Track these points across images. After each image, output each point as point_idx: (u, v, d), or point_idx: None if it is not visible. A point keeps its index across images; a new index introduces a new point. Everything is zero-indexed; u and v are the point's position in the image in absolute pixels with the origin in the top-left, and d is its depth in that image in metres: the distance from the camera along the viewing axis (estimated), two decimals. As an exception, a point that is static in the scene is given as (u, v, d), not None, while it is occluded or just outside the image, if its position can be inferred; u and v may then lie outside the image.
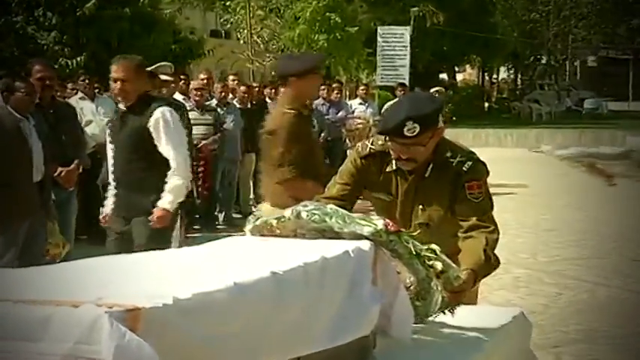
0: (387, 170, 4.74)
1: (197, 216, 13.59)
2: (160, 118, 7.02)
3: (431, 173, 4.67)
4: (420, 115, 4.47)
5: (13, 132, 7.56)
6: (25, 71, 8.70)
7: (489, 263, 4.44)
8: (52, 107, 9.07)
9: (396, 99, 17.92)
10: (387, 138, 4.61)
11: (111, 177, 7.30)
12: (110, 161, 7.35)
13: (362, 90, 18.73)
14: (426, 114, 4.50)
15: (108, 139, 7.43)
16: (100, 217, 7.39)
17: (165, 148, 6.97)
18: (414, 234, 3.99)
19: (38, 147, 7.75)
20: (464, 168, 4.61)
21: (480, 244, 4.42)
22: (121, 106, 7.23)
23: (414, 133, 4.45)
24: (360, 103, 17.53)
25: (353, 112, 17.11)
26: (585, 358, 7.06)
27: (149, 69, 10.36)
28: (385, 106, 5.18)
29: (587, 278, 9.79)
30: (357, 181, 4.83)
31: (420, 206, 4.73)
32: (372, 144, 4.76)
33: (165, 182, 6.93)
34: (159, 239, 6.70)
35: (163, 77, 10.30)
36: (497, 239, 4.52)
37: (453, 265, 4.12)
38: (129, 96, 7.07)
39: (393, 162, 4.70)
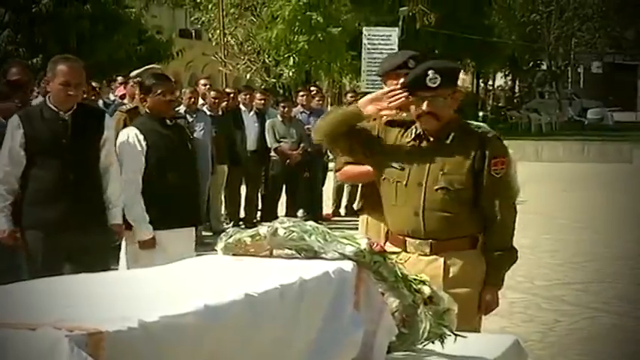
0: (405, 140, 5.15)
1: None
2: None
3: (452, 140, 5.07)
4: (441, 67, 5.10)
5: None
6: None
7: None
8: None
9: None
10: (410, 95, 5.05)
11: None
12: None
13: (350, 97, 18.76)
14: (446, 67, 5.18)
15: None
16: None
17: None
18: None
19: None
20: (488, 135, 5.17)
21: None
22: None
23: (436, 84, 4.97)
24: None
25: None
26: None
27: (136, 72, 10.30)
28: None
29: (589, 304, 9.85)
30: (370, 139, 5.20)
31: (441, 171, 5.04)
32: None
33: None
34: None
35: None
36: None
37: (444, 296, 4.18)
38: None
39: (412, 130, 5.10)
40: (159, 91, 7.47)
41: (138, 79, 9.89)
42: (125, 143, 7.42)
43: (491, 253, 5.06)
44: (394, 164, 5.12)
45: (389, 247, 4.80)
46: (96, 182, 6.96)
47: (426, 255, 5.03)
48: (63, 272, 6.40)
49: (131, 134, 7.42)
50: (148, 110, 7.60)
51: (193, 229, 7.66)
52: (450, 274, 5.01)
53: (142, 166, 7.35)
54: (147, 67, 10.27)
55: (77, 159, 6.83)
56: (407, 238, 5.09)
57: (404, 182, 5.08)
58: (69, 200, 6.77)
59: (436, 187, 5.03)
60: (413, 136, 5.11)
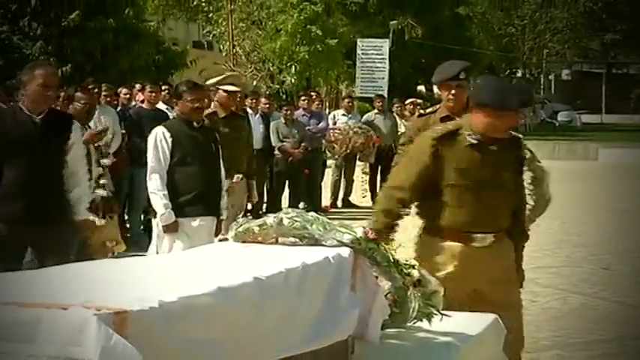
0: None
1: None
2: None
3: (499, 146, 5.15)
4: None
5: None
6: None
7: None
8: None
9: (375, 110, 18.00)
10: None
11: None
12: None
13: (347, 102, 18.71)
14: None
15: None
16: None
17: None
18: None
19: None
20: (527, 149, 5.64)
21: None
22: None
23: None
24: (344, 114, 17.53)
25: (336, 122, 17.10)
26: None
27: (215, 80, 10.21)
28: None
29: (560, 286, 9.85)
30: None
31: (492, 173, 5.16)
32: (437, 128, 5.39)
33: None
34: None
35: (231, 88, 9.73)
36: None
37: (432, 279, 4.20)
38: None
39: (466, 136, 5.11)
40: (189, 98, 7.51)
41: (212, 87, 9.89)
42: (152, 140, 7.50)
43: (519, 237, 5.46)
44: (459, 178, 5.12)
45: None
46: (60, 182, 6.66)
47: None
48: (23, 264, 6.34)
49: (159, 132, 7.50)
50: (178, 113, 7.63)
51: (214, 218, 7.65)
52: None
53: (165, 161, 7.40)
54: (225, 75, 10.11)
55: (44, 159, 6.57)
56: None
57: (472, 187, 5.12)
58: (32, 197, 6.48)
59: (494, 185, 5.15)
60: (470, 142, 5.11)
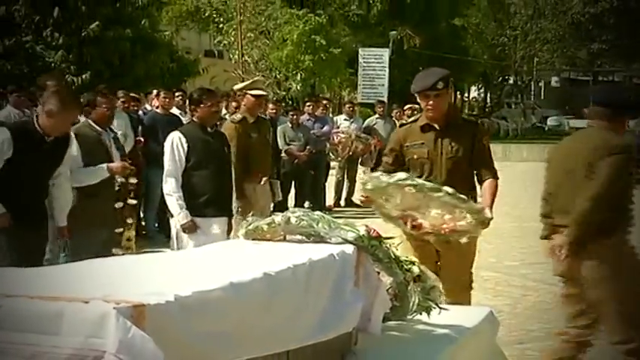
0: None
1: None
2: None
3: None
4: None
5: (95, 144, 7.55)
6: (39, 87, 8.49)
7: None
8: None
9: (376, 115, 18.01)
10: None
11: None
12: None
13: (348, 107, 18.70)
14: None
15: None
16: None
17: None
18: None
19: (117, 158, 7.74)
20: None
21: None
22: None
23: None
24: (345, 119, 17.53)
25: (338, 127, 17.10)
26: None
27: (242, 85, 10.15)
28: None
29: (550, 281, 9.76)
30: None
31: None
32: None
33: None
34: None
35: (259, 93, 9.47)
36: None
37: (431, 274, 4.20)
38: None
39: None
40: (208, 104, 7.52)
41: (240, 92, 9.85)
42: (169, 144, 7.49)
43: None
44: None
45: None
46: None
47: None
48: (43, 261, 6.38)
49: (175, 137, 7.48)
50: (195, 119, 7.61)
51: (227, 218, 7.63)
52: None
53: (181, 165, 7.38)
54: (251, 80, 10.00)
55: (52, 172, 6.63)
56: None
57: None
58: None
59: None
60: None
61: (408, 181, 5.20)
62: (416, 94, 6.16)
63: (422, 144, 6.13)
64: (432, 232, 5.43)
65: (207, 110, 7.53)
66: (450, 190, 5.21)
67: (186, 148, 7.39)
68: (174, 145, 7.44)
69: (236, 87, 10.79)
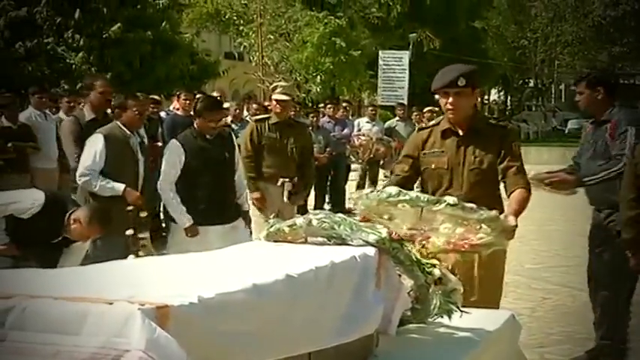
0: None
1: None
2: None
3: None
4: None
5: (123, 147, 7.66)
6: (86, 87, 8.77)
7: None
8: (108, 122, 8.36)
9: (396, 118, 18.03)
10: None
11: None
12: None
13: (371, 110, 18.76)
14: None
15: None
16: None
17: None
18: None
19: (142, 162, 7.89)
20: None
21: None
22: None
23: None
24: (368, 122, 17.57)
25: (360, 129, 17.12)
26: (567, 358, 7.08)
27: (272, 86, 10.19)
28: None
29: (570, 284, 9.78)
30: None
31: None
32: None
33: None
34: None
35: (282, 97, 9.42)
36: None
37: (452, 277, 4.15)
38: None
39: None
40: (208, 119, 7.54)
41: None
42: (166, 152, 7.61)
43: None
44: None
45: None
46: None
47: None
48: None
49: (172, 146, 7.58)
50: (195, 126, 7.62)
51: (233, 224, 7.62)
52: None
53: (176, 172, 7.42)
54: (274, 85, 10.01)
55: None
56: None
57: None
58: None
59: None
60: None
61: (400, 197, 4.33)
62: (436, 94, 5.51)
63: (442, 152, 5.44)
64: (451, 250, 4.53)
65: (206, 123, 7.54)
66: (451, 199, 4.38)
67: (182, 157, 7.42)
68: (171, 152, 7.51)
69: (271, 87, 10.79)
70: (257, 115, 10.31)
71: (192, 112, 12.70)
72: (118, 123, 7.76)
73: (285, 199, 9.28)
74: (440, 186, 5.41)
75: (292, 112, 15.04)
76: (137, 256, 7.55)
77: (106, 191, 7.48)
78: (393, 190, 4.39)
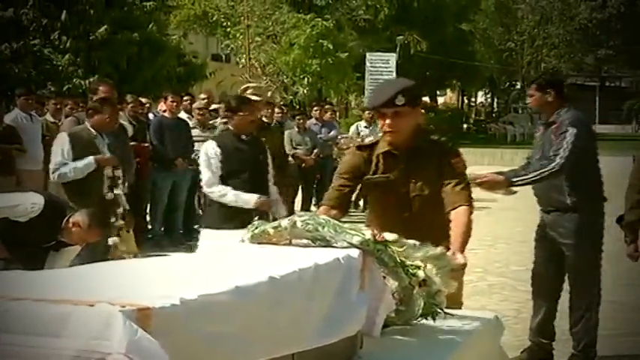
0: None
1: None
2: None
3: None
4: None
5: (88, 146, 8.05)
6: (90, 91, 9.11)
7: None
8: None
9: (363, 122, 18.03)
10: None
11: None
12: None
13: (367, 114, 18.79)
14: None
15: None
16: None
17: None
18: (397, 244, 4.02)
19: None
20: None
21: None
22: None
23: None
24: (366, 126, 17.60)
25: (359, 133, 17.12)
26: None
27: (241, 89, 10.21)
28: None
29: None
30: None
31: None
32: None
33: None
34: None
35: (252, 98, 9.58)
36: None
37: (436, 279, 4.14)
38: None
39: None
40: (245, 113, 7.52)
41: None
42: (203, 153, 7.50)
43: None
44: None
45: None
46: None
47: None
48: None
49: (209, 147, 7.47)
50: (231, 127, 7.60)
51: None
52: None
53: (218, 171, 7.33)
54: (244, 86, 10.03)
55: None
56: None
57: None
58: None
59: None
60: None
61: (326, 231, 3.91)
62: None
63: (386, 177, 4.89)
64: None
65: (243, 119, 7.51)
66: (390, 236, 3.90)
67: (220, 157, 7.35)
68: (209, 154, 7.40)
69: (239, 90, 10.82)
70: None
71: (183, 113, 12.79)
72: (87, 124, 8.14)
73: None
74: (385, 212, 4.96)
75: (279, 114, 15.13)
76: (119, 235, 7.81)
77: (80, 171, 7.90)
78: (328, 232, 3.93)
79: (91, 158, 7.92)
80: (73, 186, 7.93)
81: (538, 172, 6.44)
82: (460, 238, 4.56)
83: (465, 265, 4.40)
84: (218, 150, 7.38)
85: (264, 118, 15.17)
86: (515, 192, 6.56)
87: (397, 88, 4.80)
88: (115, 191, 8.04)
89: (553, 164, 6.38)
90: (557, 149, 6.39)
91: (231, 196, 7.29)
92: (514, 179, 6.44)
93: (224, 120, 9.84)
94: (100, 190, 7.96)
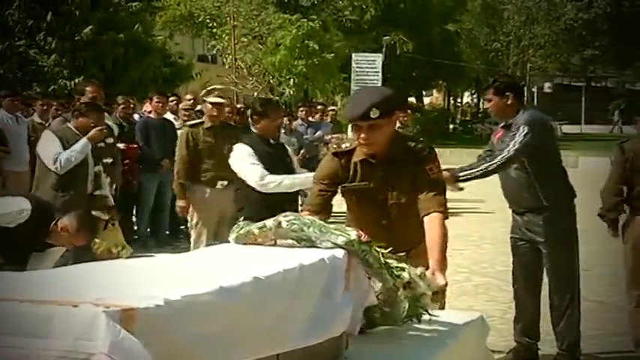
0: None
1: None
2: None
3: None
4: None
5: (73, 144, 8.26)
6: (78, 92, 9.35)
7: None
8: None
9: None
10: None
11: None
12: None
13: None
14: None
15: None
16: None
17: None
18: (383, 249, 4.04)
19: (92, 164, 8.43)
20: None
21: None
22: None
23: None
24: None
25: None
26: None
27: (202, 92, 10.23)
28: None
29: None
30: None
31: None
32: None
33: None
34: None
35: (217, 100, 9.40)
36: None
37: (420, 282, 4.13)
38: None
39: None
40: (271, 117, 7.49)
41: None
42: (239, 155, 7.33)
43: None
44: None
45: None
46: None
47: None
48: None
49: (242, 147, 7.32)
50: (256, 130, 7.51)
51: None
52: None
53: (259, 165, 7.15)
54: (210, 88, 10.08)
55: None
56: None
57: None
58: None
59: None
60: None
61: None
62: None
63: (364, 185, 4.86)
64: None
65: (269, 123, 7.47)
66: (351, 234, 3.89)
67: (255, 156, 7.21)
68: (245, 153, 7.27)
69: (200, 94, 10.88)
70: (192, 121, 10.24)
71: (169, 113, 12.77)
72: (70, 125, 8.47)
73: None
74: (363, 219, 4.87)
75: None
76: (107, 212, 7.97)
77: (80, 153, 8.20)
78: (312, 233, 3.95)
79: (84, 139, 8.22)
80: (60, 184, 8.08)
81: (484, 167, 6.49)
82: (437, 254, 4.47)
83: (445, 286, 4.35)
84: (251, 150, 7.23)
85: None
86: (462, 188, 6.57)
87: (371, 100, 4.68)
88: (101, 190, 8.27)
89: (499, 157, 6.45)
90: (507, 145, 6.46)
91: (287, 181, 7.10)
92: (460, 174, 6.47)
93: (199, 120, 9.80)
94: (85, 188, 8.21)
